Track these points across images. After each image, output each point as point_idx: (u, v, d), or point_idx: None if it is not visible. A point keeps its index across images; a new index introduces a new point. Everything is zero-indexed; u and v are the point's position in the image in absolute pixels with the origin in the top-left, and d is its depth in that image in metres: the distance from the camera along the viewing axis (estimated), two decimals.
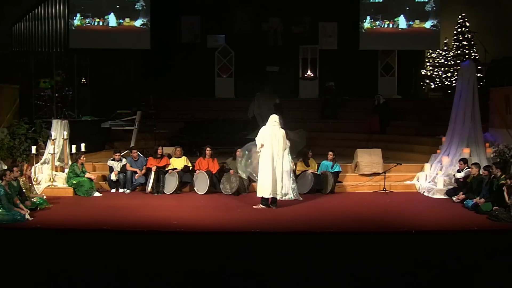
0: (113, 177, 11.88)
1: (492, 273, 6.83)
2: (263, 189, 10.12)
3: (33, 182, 11.13)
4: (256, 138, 10.23)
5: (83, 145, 12.45)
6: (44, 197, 10.44)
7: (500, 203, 9.57)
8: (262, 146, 10.09)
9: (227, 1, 18.93)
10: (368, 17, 18.12)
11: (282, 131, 10.27)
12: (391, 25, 18.09)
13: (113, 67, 17.83)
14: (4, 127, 12.09)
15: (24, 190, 10.01)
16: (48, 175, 11.82)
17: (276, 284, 6.57)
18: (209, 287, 6.51)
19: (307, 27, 19.16)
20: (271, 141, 10.08)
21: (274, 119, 10.30)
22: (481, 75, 16.49)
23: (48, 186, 11.64)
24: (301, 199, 10.85)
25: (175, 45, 18.89)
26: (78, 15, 17.68)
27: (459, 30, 18.48)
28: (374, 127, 15.88)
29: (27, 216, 9.11)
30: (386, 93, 17.66)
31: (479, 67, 16.32)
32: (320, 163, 12.24)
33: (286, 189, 10.56)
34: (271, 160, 10.05)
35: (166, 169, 11.95)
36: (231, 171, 11.70)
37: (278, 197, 10.26)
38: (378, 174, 12.29)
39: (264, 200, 10.16)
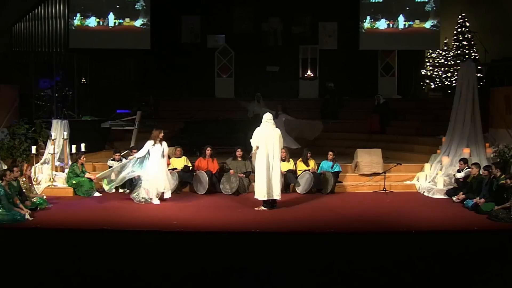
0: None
1: (492, 273, 6.83)
2: (259, 191, 10.06)
3: (33, 182, 11.12)
4: (251, 140, 10.16)
5: (83, 145, 12.43)
6: (44, 197, 10.42)
7: (500, 203, 9.57)
8: (257, 148, 10.03)
9: (227, 1, 18.94)
10: (368, 17, 18.12)
11: (277, 131, 10.16)
12: (391, 25, 18.09)
13: (113, 67, 17.83)
14: (4, 127, 12.09)
15: (24, 190, 10.01)
16: (48, 175, 11.81)
17: (275, 284, 6.57)
18: (209, 287, 6.51)
19: (307, 27, 19.16)
20: (266, 142, 9.98)
21: (266, 118, 10.18)
22: (481, 75, 16.49)
23: (48, 186, 11.63)
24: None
25: (175, 45, 18.88)
26: (78, 15, 17.69)
27: (459, 30, 18.46)
28: (374, 127, 15.86)
29: (27, 216, 9.11)
30: (386, 93, 17.65)
31: (479, 67, 16.31)
32: (320, 163, 12.23)
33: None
34: (266, 162, 9.96)
35: None
36: (231, 171, 11.69)
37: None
38: (378, 174, 12.28)
39: (265, 202, 10.12)
